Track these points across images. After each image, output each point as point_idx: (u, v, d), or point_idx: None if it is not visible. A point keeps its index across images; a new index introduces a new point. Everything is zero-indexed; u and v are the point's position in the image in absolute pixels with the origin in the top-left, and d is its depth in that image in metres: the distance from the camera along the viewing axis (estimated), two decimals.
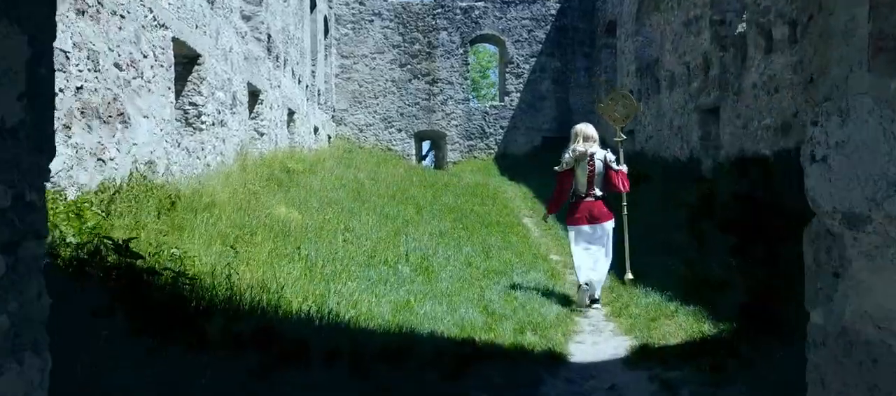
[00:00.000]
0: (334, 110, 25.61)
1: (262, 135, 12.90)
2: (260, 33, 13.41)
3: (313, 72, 20.60)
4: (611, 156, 7.01)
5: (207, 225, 5.82)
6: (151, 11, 7.36)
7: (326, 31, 24.10)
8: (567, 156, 6.94)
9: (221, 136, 10.04)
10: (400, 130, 26.11)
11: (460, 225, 9.88)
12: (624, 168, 7.10)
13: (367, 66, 26.00)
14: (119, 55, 6.49)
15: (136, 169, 6.61)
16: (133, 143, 6.71)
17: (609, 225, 6.98)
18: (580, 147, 6.90)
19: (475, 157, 25.93)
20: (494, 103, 27.20)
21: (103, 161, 5.99)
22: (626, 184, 7.06)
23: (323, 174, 13.05)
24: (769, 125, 12.88)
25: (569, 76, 26.07)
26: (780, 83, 12.47)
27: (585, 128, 7.05)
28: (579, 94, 26.02)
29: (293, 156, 14.08)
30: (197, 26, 9.00)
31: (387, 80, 26.02)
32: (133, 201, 5.57)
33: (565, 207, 7.17)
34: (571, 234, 7.01)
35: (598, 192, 6.90)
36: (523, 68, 26.05)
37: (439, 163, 27.30)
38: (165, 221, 5.54)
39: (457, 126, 26.13)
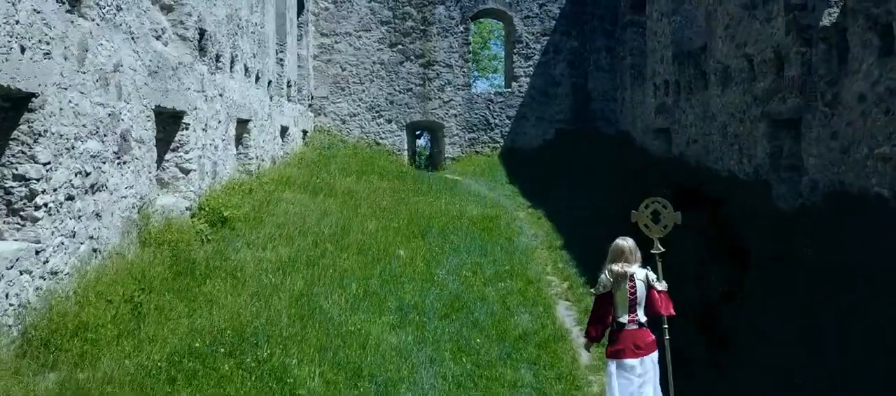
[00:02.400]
0: (312, 98, 21.88)
1: (187, 172, 9.31)
2: (187, 29, 9.74)
3: (281, 60, 16.85)
4: (653, 275, 6.22)
5: None
6: None
7: (301, 8, 20.25)
8: (604, 276, 6.11)
9: (90, 211, 6.45)
10: (389, 121, 22.46)
11: (468, 367, 6.40)
12: (664, 286, 6.19)
13: (350, 45, 22.28)
14: None
15: None
16: None
17: (654, 357, 6.07)
18: (618, 267, 6.05)
19: (478, 152, 22.36)
20: (500, 90, 23.44)
21: None
22: (669, 306, 6.16)
23: (273, 223, 9.54)
24: (887, 155, 9.37)
25: (587, 58, 22.39)
26: None
27: (625, 243, 6.16)
28: (599, 79, 22.39)
29: (237, 191, 10.57)
30: (24, 49, 5.36)
31: (374, 63, 22.35)
32: None
33: None
34: (611, 368, 6.03)
35: (642, 318, 6.07)
36: (534, 48, 22.33)
37: (436, 161, 23.66)
38: None
39: (456, 116, 22.48)
